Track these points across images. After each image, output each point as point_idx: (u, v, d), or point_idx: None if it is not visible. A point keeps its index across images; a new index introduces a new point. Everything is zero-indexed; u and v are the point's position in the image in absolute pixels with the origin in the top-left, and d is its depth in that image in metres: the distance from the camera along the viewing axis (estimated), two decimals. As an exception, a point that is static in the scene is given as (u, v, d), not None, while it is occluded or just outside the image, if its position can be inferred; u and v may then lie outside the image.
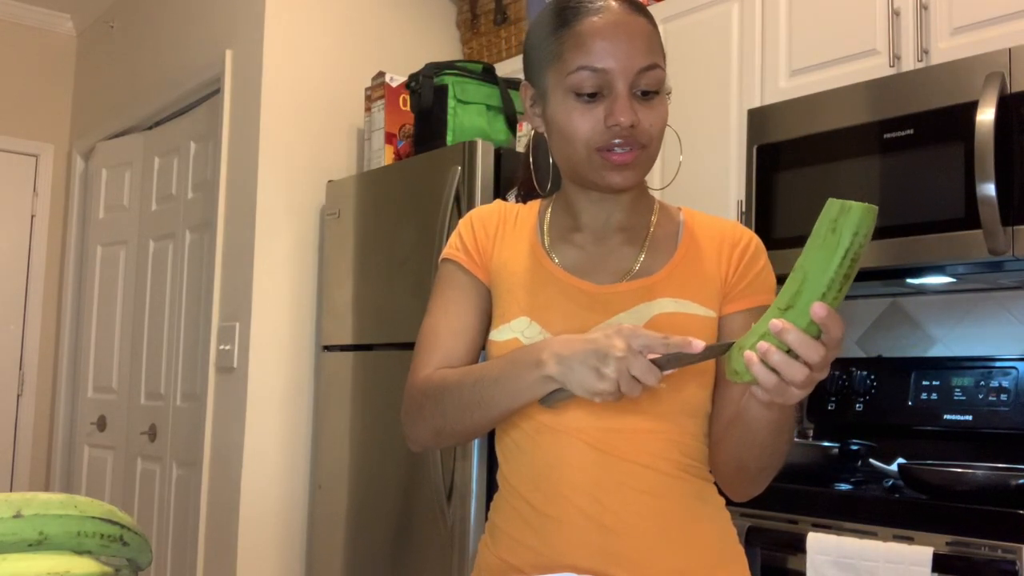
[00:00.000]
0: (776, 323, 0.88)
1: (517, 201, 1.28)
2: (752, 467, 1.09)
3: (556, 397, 1.03)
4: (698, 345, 0.94)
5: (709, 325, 1.13)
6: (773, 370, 0.89)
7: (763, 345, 0.89)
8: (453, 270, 1.21)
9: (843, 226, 0.85)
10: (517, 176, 1.35)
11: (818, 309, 0.86)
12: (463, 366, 1.16)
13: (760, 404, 0.98)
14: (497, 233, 1.21)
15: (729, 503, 1.18)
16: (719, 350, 0.97)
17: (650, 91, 1.09)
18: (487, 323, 1.20)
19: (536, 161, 1.24)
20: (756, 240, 1.18)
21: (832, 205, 0.87)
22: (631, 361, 0.94)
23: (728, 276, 1.15)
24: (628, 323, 1.08)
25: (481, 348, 1.21)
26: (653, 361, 0.95)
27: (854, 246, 0.85)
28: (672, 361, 0.96)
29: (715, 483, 1.17)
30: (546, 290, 1.14)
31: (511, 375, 1.05)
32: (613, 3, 1.10)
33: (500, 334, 1.14)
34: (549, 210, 1.23)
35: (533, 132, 1.22)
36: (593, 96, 1.08)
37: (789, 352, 0.88)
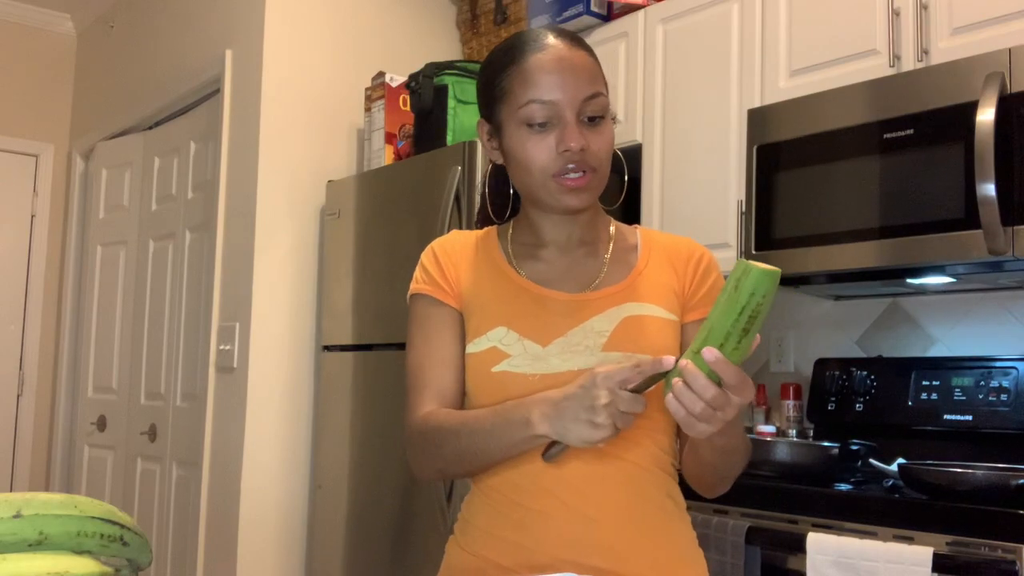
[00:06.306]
0: (683, 362, 1.00)
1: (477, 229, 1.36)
2: (709, 480, 1.21)
3: (554, 452, 1.10)
4: (669, 361, 1.02)
5: (673, 327, 1.22)
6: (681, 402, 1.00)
7: (676, 380, 1.00)
8: (425, 304, 1.26)
9: (743, 286, 0.96)
10: (477, 209, 1.43)
11: (707, 354, 0.98)
12: (456, 398, 1.23)
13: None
14: (461, 260, 1.27)
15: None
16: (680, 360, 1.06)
17: (596, 117, 1.18)
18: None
19: (492, 192, 1.33)
20: (709, 255, 1.28)
21: (738, 266, 0.97)
22: (617, 403, 1.02)
23: (686, 287, 1.25)
24: (600, 327, 1.18)
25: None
26: (631, 389, 1.03)
27: (751, 304, 0.96)
28: (646, 382, 1.04)
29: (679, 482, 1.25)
30: (519, 300, 1.22)
31: (502, 432, 1.11)
32: (554, 40, 1.20)
33: (477, 346, 1.20)
34: (510, 231, 1.30)
35: (490, 165, 1.31)
36: (544, 126, 1.17)
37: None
